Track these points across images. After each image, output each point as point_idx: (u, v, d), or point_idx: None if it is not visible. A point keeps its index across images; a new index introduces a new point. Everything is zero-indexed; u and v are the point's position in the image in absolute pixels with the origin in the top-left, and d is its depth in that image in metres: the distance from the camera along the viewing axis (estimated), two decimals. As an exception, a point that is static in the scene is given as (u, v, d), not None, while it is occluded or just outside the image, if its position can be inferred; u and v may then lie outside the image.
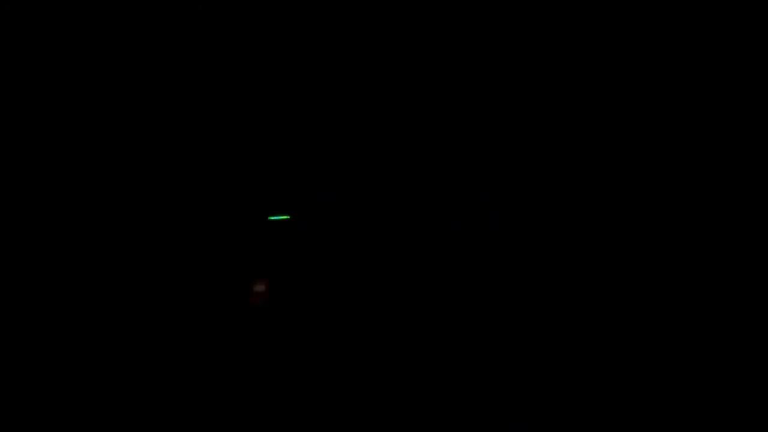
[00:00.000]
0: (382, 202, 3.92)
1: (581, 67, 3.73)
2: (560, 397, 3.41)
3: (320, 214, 3.95)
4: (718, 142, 3.54)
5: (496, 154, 3.83)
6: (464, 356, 3.61)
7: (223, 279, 3.91)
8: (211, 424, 3.43)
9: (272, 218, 3.73)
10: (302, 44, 3.92)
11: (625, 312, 3.52)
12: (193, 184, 3.98)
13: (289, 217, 3.72)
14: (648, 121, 3.66)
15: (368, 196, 3.93)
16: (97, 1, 3.79)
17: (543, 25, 3.75)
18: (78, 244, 3.83)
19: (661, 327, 3.45)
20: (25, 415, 3.43)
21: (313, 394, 3.60)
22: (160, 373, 3.68)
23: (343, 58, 3.92)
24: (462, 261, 3.77)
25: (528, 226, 3.73)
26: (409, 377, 3.59)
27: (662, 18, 3.60)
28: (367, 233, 3.90)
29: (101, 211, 3.91)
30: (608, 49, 3.69)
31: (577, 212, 3.69)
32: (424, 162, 3.91)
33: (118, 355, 3.71)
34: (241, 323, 3.85)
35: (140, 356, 3.73)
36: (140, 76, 3.94)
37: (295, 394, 3.61)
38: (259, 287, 3.84)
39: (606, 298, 3.56)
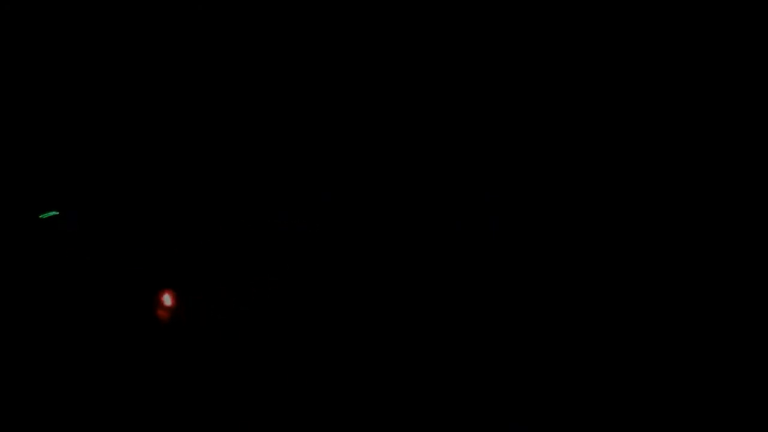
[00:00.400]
0: (381, 202, 3.92)
1: (581, 67, 3.73)
2: (560, 397, 3.41)
3: (320, 214, 3.95)
4: (719, 142, 3.54)
5: (495, 153, 3.83)
6: (464, 356, 3.61)
7: (222, 278, 3.91)
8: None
9: (44, 215, 3.37)
10: (302, 44, 3.92)
11: (626, 312, 3.52)
12: (192, 185, 3.98)
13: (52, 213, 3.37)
14: (648, 121, 3.66)
15: (368, 196, 3.93)
16: (97, 1, 3.79)
17: (543, 24, 3.75)
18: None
19: (661, 327, 3.45)
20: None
21: (314, 394, 3.60)
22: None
23: (343, 58, 3.92)
24: (462, 261, 3.77)
25: (528, 226, 3.73)
26: (408, 377, 3.59)
27: (662, 18, 3.60)
28: (367, 233, 3.90)
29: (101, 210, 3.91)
30: (608, 49, 3.70)
31: (578, 212, 3.69)
32: (423, 162, 3.91)
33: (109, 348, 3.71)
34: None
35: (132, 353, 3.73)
36: (140, 76, 3.94)
37: (295, 394, 3.61)
38: (166, 300, 3.62)
39: (606, 298, 3.56)
